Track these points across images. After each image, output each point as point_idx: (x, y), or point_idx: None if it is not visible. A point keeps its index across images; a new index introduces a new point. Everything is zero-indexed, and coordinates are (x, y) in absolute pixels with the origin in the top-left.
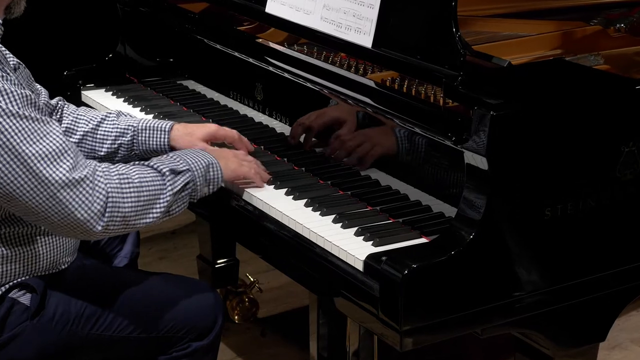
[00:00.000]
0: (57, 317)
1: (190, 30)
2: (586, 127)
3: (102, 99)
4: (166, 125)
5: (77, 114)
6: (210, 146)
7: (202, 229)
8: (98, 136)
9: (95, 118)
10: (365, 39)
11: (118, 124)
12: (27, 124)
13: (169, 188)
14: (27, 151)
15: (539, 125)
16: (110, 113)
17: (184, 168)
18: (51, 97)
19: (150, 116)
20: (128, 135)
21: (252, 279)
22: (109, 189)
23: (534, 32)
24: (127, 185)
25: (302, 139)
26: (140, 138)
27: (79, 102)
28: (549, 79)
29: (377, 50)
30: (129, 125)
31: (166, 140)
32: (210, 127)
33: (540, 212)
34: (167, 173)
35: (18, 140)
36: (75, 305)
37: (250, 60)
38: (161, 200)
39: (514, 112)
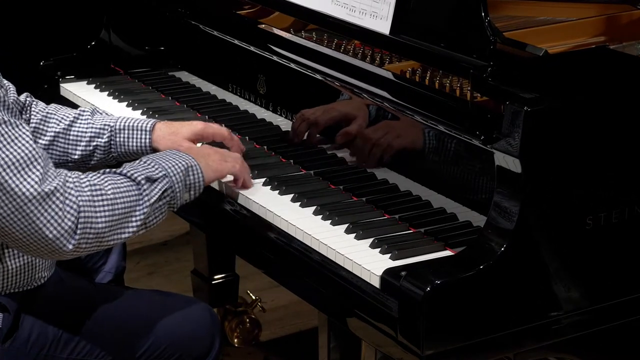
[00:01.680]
0: (32, 340)
1: (184, 15)
2: (632, 125)
3: (83, 93)
4: (147, 124)
5: (47, 112)
6: (196, 146)
7: (197, 240)
8: (71, 137)
9: (67, 117)
10: (382, 25)
11: (93, 123)
12: None
13: (146, 199)
14: None
15: (579, 123)
16: (84, 111)
17: (160, 174)
18: (25, 91)
19: (138, 112)
20: (104, 136)
21: (253, 297)
22: (81, 203)
23: (573, 17)
24: (99, 199)
25: (305, 136)
26: (118, 139)
27: (57, 96)
28: (590, 70)
29: (396, 37)
30: (105, 125)
31: (148, 141)
32: (196, 125)
33: (580, 222)
34: (143, 182)
35: None
36: (53, 326)
37: (252, 48)
38: (137, 213)
39: (550, 108)
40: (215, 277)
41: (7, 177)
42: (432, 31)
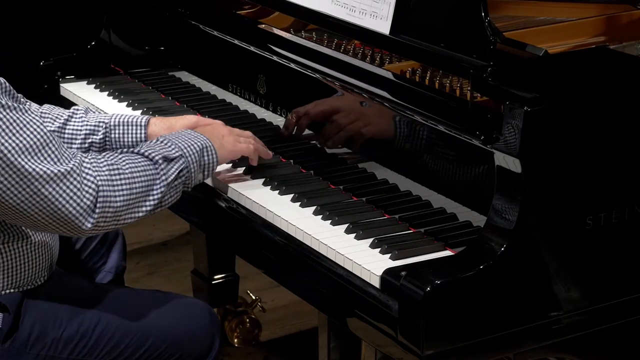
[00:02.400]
0: (32, 340)
1: (184, 15)
2: (632, 125)
3: (83, 93)
4: (142, 119)
5: (41, 112)
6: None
7: (197, 240)
8: (66, 135)
9: (62, 116)
10: (382, 25)
11: (87, 121)
12: (4, 114)
13: (163, 178)
14: (6, 145)
15: (579, 123)
16: (77, 109)
17: (177, 154)
18: (25, 91)
19: (138, 112)
20: (99, 133)
21: (253, 297)
22: (99, 182)
23: (573, 17)
24: (117, 177)
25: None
26: (113, 135)
27: (57, 96)
28: (590, 70)
29: (396, 37)
30: (99, 122)
31: (143, 136)
32: (190, 119)
33: (580, 222)
34: (160, 161)
35: None
36: (53, 326)
37: (252, 48)
38: (154, 192)
39: (550, 108)
40: (215, 277)
41: (23, 162)
42: (432, 31)
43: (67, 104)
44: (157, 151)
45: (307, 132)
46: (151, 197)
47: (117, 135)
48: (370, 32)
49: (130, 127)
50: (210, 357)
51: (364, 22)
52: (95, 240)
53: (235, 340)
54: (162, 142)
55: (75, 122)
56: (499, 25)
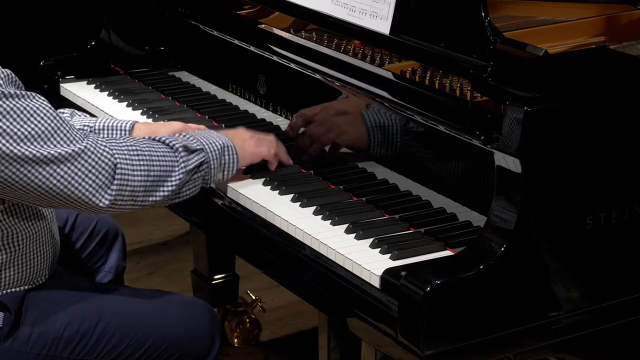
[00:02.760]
0: (33, 339)
1: (184, 15)
2: (632, 125)
3: (83, 93)
4: (126, 124)
5: None
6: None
7: (197, 240)
8: None
9: None
10: (382, 25)
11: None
12: (13, 103)
13: (182, 165)
14: (19, 133)
15: (579, 123)
16: (62, 112)
17: (198, 147)
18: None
19: (138, 112)
20: (91, 133)
21: (253, 297)
22: (117, 159)
23: (573, 17)
24: (136, 156)
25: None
26: None
27: (57, 96)
28: (590, 70)
29: (396, 37)
30: (84, 126)
31: None
32: (175, 126)
33: (580, 222)
34: (180, 149)
35: (7, 123)
36: (54, 326)
37: (252, 48)
38: (173, 177)
39: (550, 108)
40: (215, 277)
41: (37, 148)
42: (432, 31)
43: (67, 104)
44: (177, 141)
45: (307, 132)
46: (170, 182)
47: None
48: (370, 32)
49: (114, 132)
50: (211, 357)
51: (364, 22)
52: (95, 240)
53: (235, 340)
54: (183, 135)
55: None
56: (499, 25)
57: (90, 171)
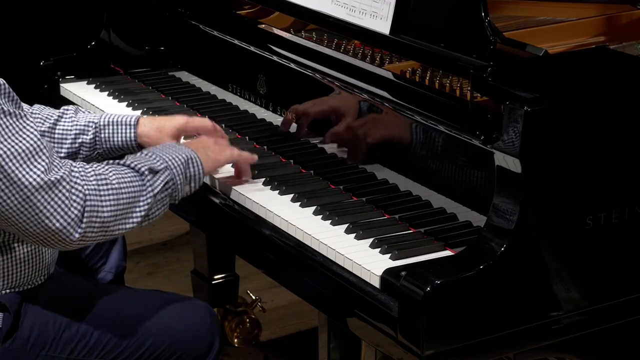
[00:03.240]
0: (33, 339)
1: (184, 15)
2: (632, 125)
3: (83, 93)
4: (131, 119)
5: (31, 112)
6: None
7: (197, 240)
8: (56, 136)
9: (52, 116)
10: (382, 25)
11: (77, 121)
12: (1, 119)
13: (149, 189)
14: None
15: (579, 123)
16: (67, 109)
17: (162, 166)
18: (25, 91)
19: (138, 112)
20: (89, 133)
21: (253, 297)
22: (87, 192)
23: (573, 17)
24: (105, 188)
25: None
26: (103, 135)
27: (57, 96)
28: (590, 70)
29: (396, 37)
30: (89, 122)
31: (133, 135)
32: (179, 120)
33: (580, 222)
34: (146, 173)
35: None
36: (53, 326)
37: (252, 48)
38: (141, 204)
39: (550, 108)
40: (215, 277)
41: (13, 168)
42: (432, 31)
43: (67, 104)
44: (142, 163)
45: (307, 131)
46: (138, 209)
47: (106, 135)
48: (370, 32)
49: (119, 127)
50: (210, 357)
51: (364, 22)
52: None
53: (235, 340)
54: (146, 154)
55: (65, 122)
56: (499, 25)
57: (63, 202)
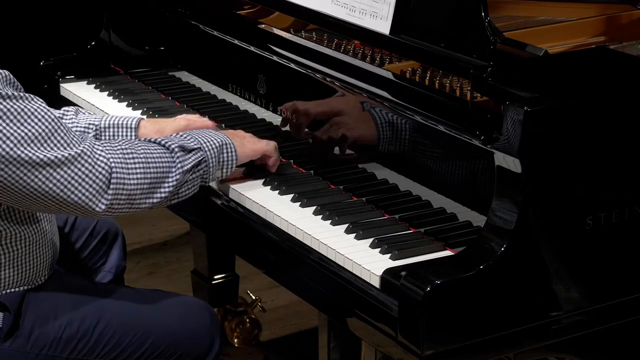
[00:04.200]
0: (33, 339)
1: (184, 15)
2: (632, 125)
3: (83, 93)
4: (132, 121)
5: None
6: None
7: (197, 240)
8: None
9: None
10: (382, 25)
11: (77, 123)
12: (10, 104)
13: (179, 165)
14: (15, 135)
15: (579, 123)
16: (67, 110)
17: (195, 146)
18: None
19: (138, 112)
20: (90, 135)
21: (253, 297)
22: (112, 164)
23: (573, 17)
24: (132, 160)
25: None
26: (103, 137)
27: (57, 96)
28: (590, 70)
29: (396, 37)
30: (89, 124)
31: (134, 138)
32: (180, 122)
33: (581, 222)
34: (176, 150)
35: (4, 125)
36: (54, 326)
37: (252, 48)
38: (170, 179)
39: (550, 108)
40: (215, 277)
41: (33, 151)
42: (432, 31)
43: (67, 104)
44: (173, 141)
45: (306, 131)
46: (166, 184)
47: (107, 138)
48: (370, 32)
49: (120, 129)
50: (210, 357)
51: (364, 22)
52: (95, 240)
53: (235, 340)
54: (180, 135)
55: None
56: (499, 25)
57: (87, 175)
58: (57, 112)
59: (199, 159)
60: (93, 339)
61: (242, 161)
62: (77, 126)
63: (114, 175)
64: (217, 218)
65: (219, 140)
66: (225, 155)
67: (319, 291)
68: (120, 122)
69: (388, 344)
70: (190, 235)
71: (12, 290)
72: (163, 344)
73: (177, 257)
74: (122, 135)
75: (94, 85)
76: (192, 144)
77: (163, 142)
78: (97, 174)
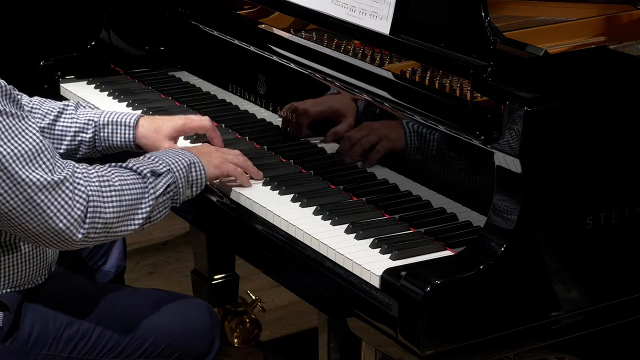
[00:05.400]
0: (33, 339)
1: (184, 15)
2: (632, 125)
3: (83, 93)
4: (131, 119)
5: (31, 107)
6: (177, 143)
7: (197, 240)
8: (56, 132)
9: (52, 111)
10: (382, 25)
11: (77, 118)
12: (3, 120)
13: (151, 192)
14: (1, 150)
15: (579, 123)
16: (67, 105)
17: (164, 169)
18: (25, 91)
19: (138, 112)
20: (89, 132)
21: (253, 297)
22: (90, 193)
23: (573, 17)
24: (107, 189)
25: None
26: (102, 134)
27: (57, 96)
28: (590, 70)
29: (396, 37)
30: (89, 120)
31: (131, 136)
32: (177, 121)
33: (580, 222)
34: (148, 175)
35: None
36: (54, 325)
37: (252, 48)
38: (143, 205)
39: (550, 108)
40: (215, 277)
41: (17, 169)
42: (432, 31)
43: None
44: (145, 165)
45: (306, 132)
46: (140, 211)
47: (105, 134)
48: (370, 32)
49: (119, 127)
50: (210, 357)
51: (364, 22)
52: None
53: (235, 340)
54: (149, 157)
55: (65, 119)
56: (499, 25)
57: (66, 203)
58: (57, 107)
59: (169, 181)
60: (93, 339)
61: (211, 179)
62: (76, 121)
63: (90, 204)
64: (216, 218)
65: (187, 159)
66: (194, 174)
67: (318, 291)
68: (119, 119)
69: (388, 344)
70: (190, 235)
71: (12, 290)
72: (163, 343)
73: (177, 257)
74: (120, 133)
75: (94, 85)
76: (161, 167)
77: (135, 168)
78: (76, 203)
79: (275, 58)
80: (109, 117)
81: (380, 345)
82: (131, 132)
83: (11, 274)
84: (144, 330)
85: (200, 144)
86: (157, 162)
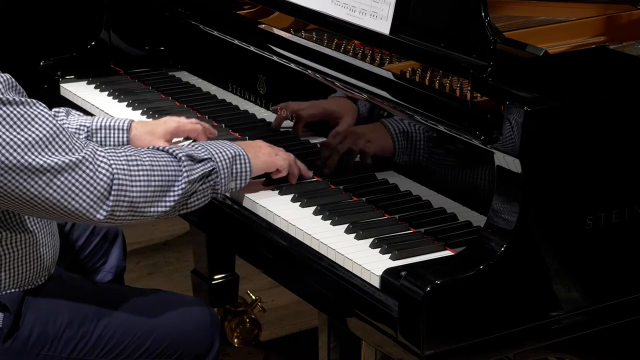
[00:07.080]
0: (33, 339)
1: (184, 15)
2: (632, 125)
3: (83, 93)
4: (123, 123)
5: None
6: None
7: (197, 240)
8: None
9: None
10: (382, 25)
11: (69, 124)
12: (11, 109)
13: (185, 175)
14: (16, 140)
15: (579, 123)
16: (58, 111)
17: (205, 156)
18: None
19: (138, 112)
20: (81, 137)
21: (253, 297)
22: (115, 170)
23: (573, 17)
24: (135, 168)
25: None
26: (95, 139)
27: (57, 96)
28: (590, 70)
29: (396, 37)
30: (80, 125)
31: (125, 139)
32: (170, 124)
33: (581, 222)
34: (184, 158)
35: (4, 130)
36: (54, 326)
37: (252, 48)
38: (175, 188)
39: (550, 108)
40: (215, 277)
41: (34, 156)
42: (432, 31)
43: (67, 104)
44: (182, 151)
45: (306, 131)
46: (172, 193)
47: (99, 139)
48: (370, 32)
49: (112, 131)
50: (210, 357)
51: (364, 22)
52: (95, 240)
53: (235, 340)
54: (191, 145)
55: None
56: (499, 25)
57: (88, 182)
58: None
59: (209, 169)
60: (93, 339)
61: (256, 173)
62: (67, 127)
63: (115, 182)
64: (216, 218)
65: (232, 151)
66: (238, 166)
67: (318, 291)
68: (111, 123)
69: (388, 344)
70: (190, 235)
71: (12, 290)
72: (163, 343)
73: (177, 257)
74: (113, 137)
75: (94, 85)
76: (202, 154)
77: (170, 151)
78: (98, 180)
79: (275, 58)
80: (101, 122)
81: (380, 345)
82: (125, 135)
83: (11, 275)
84: (144, 331)
85: (254, 141)
86: (198, 148)
